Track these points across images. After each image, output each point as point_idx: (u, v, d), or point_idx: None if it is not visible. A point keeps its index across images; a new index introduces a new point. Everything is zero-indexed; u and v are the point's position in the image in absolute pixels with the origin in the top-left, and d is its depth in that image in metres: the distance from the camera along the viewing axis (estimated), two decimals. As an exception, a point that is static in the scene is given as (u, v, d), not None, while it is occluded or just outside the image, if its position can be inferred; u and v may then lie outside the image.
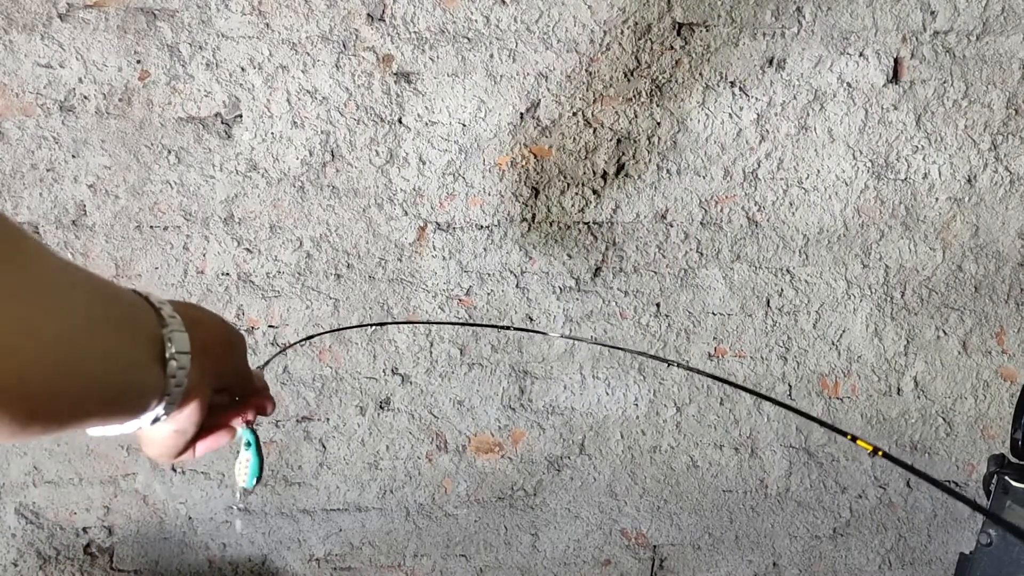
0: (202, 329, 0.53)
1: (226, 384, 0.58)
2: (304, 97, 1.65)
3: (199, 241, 1.69)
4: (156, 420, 0.51)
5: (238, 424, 0.62)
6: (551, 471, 1.87)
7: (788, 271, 1.83)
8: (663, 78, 1.72)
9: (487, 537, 1.89)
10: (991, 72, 1.78)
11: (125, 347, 0.46)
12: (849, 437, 0.71)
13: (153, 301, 0.50)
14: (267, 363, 0.86)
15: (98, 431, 0.50)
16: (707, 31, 1.71)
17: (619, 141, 1.74)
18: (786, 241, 1.82)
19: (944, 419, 1.93)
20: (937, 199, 1.83)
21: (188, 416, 0.54)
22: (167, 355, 0.49)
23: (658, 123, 1.74)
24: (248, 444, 0.63)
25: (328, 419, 1.78)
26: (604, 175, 1.75)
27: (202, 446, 0.59)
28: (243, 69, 1.63)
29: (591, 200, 1.76)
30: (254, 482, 0.65)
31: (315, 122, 1.67)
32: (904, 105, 1.78)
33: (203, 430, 0.58)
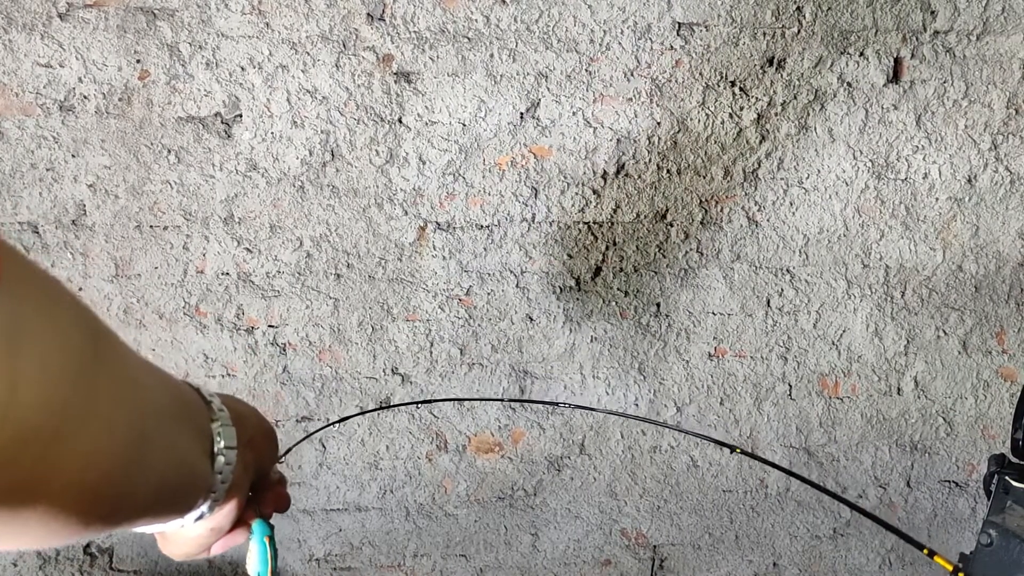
0: (247, 423, 0.52)
1: (262, 484, 0.57)
2: (304, 97, 1.65)
3: (199, 241, 1.69)
4: (200, 518, 0.50)
5: (251, 518, 0.60)
6: (551, 471, 1.87)
7: (788, 271, 1.83)
8: (663, 78, 1.72)
9: (487, 537, 1.89)
10: (991, 72, 1.78)
11: (184, 442, 0.46)
12: (926, 552, 0.69)
13: (204, 394, 0.50)
14: (287, 452, 0.84)
15: (144, 529, 0.49)
16: (707, 31, 1.71)
17: (619, 141, 1.74)
18: (786, 241, 1.82)
19: (944, 419, 1.93)
20: (937, 199, 1.83)
21: (227, 513, 0.53)
22: (215, 450, 0.48)
23: (658, 123, 1.74)
24: (260, 537, 0.61)
25: (328, 419, 1.78)
26: (604, 175, 1.75)
27: (220, 544, 0.58)
28: (243, 69, 1.63)
29: (591, 200, 1.76)
30: (268, 574, 0.63)
31: (315, 122, 1.66)
32: (904, 105, 1.78)
33: None
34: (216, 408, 0.49)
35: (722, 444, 0.87)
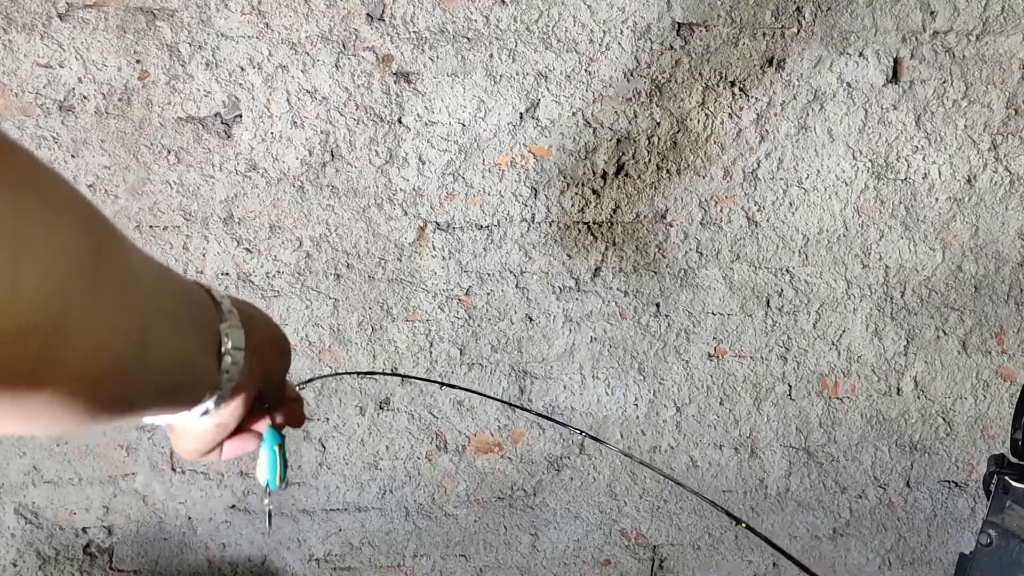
0: (257, 328, 0.54)
1: (268, 387, 0.59)
2: (304, 97, 1.65)
3: (199, 241, 1.69)
4: (205, 413, 0.52)
5: (262, 428, 0.62)
6: (551, 471, 1.87)
7: (788, 271, 1.83)
8: (663, 78, 1.72)
9: (487, 537, 1.89)
10: (991, 72, 1.78)
11: (189, 342, 0.47)
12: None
13: (214, 295, 0.51)
14: (308, 381, 0.86)
15: (151, 420, 0.51)
16: (707, 31, 1.71)
17: (619, 141, 1.74)
18: (786, 241, 1.82)
19: (944, 419, 1.93)
20: (937, 199, 1.83)
21: (232, 411, 0.54)
22: (223, 350, 0.50)
23: (658, 123, 1.74)
24: (270, 445, 0.63)
25: (328, 419, 1.78)
26: (604, 175, 1.75)
27: (230, 447, 0.60)
28: (243, 69, 1.63)
29: (591, 200, 1.76)
30: (276, 482, 0.64)
31: (315, 122, 1.66)
32: (904, 105, 1.78)
33: (234, 431, 0.58)
34: (226, 310, 0.51)
35: (729, 515, 0.86)
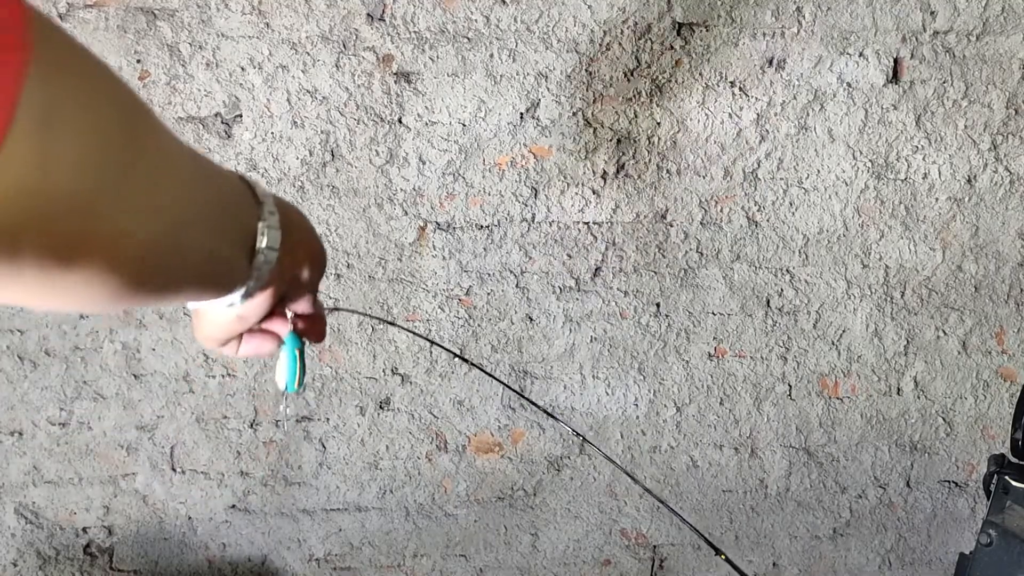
0: (295, 233, 0.54)
1: (297, 294, 0.59)
2: (304, 97, 1.65)
3: (199, 241, 1.69)
4: (230, 305, 0.53)
5: (284, 332, 0.62)
6: (551, 471, 1.87)
7: (788, 271, 1.83)
8: (663, 78, 1.72)
9: (487, 537, 1.89)
10: (991, 72, 1.78)
11: (223, 234, 0.48)
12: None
13: (258, 192, 0.52)
14: (335, 310, 0.86)
15: (174, 304, 0.51)
16: (707, 31, 1.71)
17: (619, 141, 1.74)
18: (786, 241, 1.82)
19: (944, 419, 1.93)
20: (937, 199, 1.83)
21: (256, 306, 0.55)
22: (257, 247, 0.50)
23: (658, 123, 1.74)
24: (291, 348, 0.64)
25: (328, 419, 1.78)
26: (604, 175, 1.75)
27: (248, 345, 0.60)
28: (243, 69, 1.63)
29: (591, 200, 1.76)
30: (294, 385, 0.65)
31: (315, 122, 1.67)
32: (904, 105, 1.78)
33: (256, 331, 0.60)
34: (267, 209, 0.51)
35: (711, 545, 0.86)
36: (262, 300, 0.54)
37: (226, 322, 0.56)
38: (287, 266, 0.54)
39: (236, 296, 0.52)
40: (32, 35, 0.31)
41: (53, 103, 0.32)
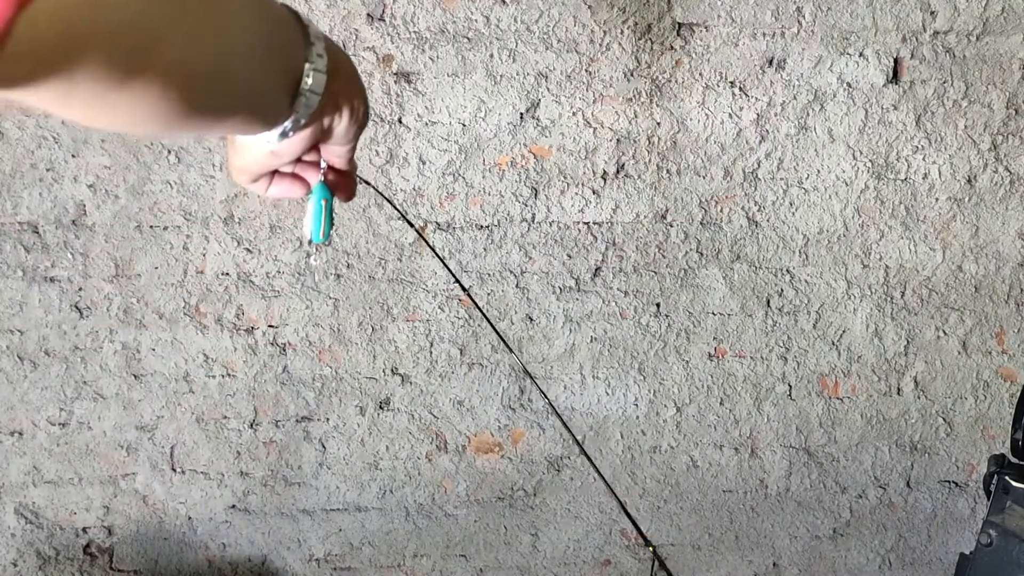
0: (340, 79, 0.54)
1: (331, 143, 0.59)
2: (304, 97, 1.65)
3: (199, 241, 1.69)
4: (268, 141, 0.54)
5: (314, 181, 0.63)
6: (551, 471, 1.87)
7: (788, 271, 1.83)
8: (663, 78, 1.72)
9: (487, 537, 1.89)
10: (991, 72, 1.78)
11: (269, 73, 0.49)
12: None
13: (311, 33, 0.52)
14: (366, 183, 0.85)
15: (214, 133, 0.53)
16: (707, 31, 1.71)
17: (619, 141, 1.74)
18: (786, 241, 1.82)
19: (944, 419, 1.93)
20: (937, 199, 1.83)
21: (289, 145, 0.55)
22: (300, 89, 0.51)
23: (658, 123, 1.74)
24: (319, 198, 0.64)
25: (328, 419, 1.78)
26: (604, 175, 1.75)
27: (277, 187, 0.61)
28: (243, 69, 1.63)
29: (591, 200, 1.76)
30: (320, 236, 0.65)
31: (315, 122, 1.66)
32: (904, 105, 1.78)
33: (284, 174, 0.61)
34: (316, 52, 0.51)
35: (642, 536, 0.86)
36: (298, 140, 0.55)
37: (259, 155, 0.57)
38: (328, 112, 0.54)
39: (275, 134, 0.53)
40: None
41: None
